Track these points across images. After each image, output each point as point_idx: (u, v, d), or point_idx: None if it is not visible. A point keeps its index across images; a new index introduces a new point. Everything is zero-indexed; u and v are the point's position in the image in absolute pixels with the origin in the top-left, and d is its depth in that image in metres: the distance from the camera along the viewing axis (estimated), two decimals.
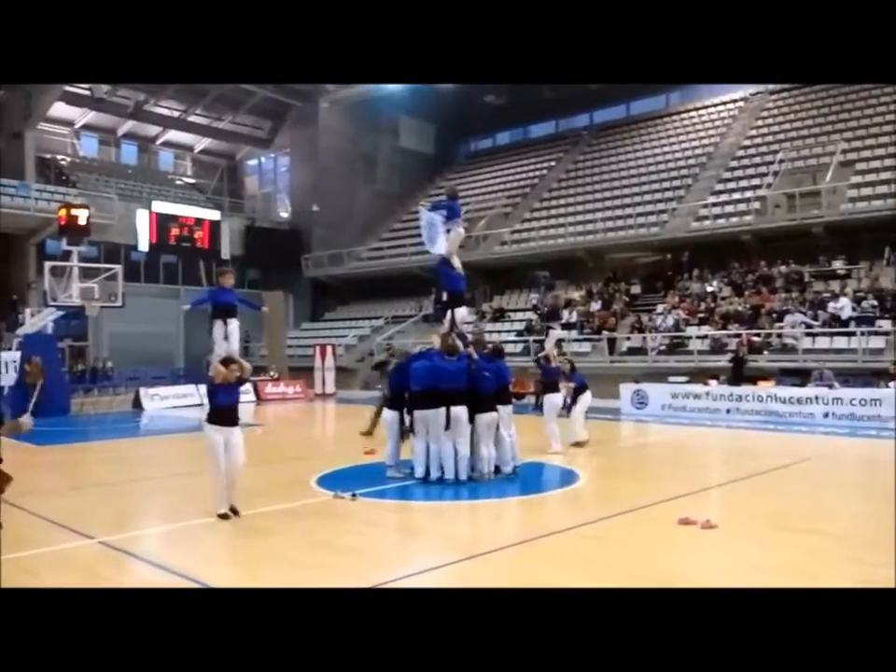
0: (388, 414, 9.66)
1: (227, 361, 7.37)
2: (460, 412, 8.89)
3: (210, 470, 7.20)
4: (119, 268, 21.60)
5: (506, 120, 37.50)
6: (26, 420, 4.61)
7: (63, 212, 20.52)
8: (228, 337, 8.33)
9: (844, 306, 18.02)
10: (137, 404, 21.60)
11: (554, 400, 11.39)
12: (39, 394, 6.09)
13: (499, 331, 24.91)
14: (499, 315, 26.53)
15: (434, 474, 9.03)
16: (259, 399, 23.32)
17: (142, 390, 22.28)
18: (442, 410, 8.84)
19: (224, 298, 8.51)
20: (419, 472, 9.10)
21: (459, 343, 9.44)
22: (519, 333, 24.24)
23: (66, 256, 20.74)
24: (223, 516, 7.10)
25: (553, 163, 33.78)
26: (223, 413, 7.21)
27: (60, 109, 31.04)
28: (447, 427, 8.86)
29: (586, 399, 12.09)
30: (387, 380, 13.60)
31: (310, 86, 33.62)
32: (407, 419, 9.40)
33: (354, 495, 8.12)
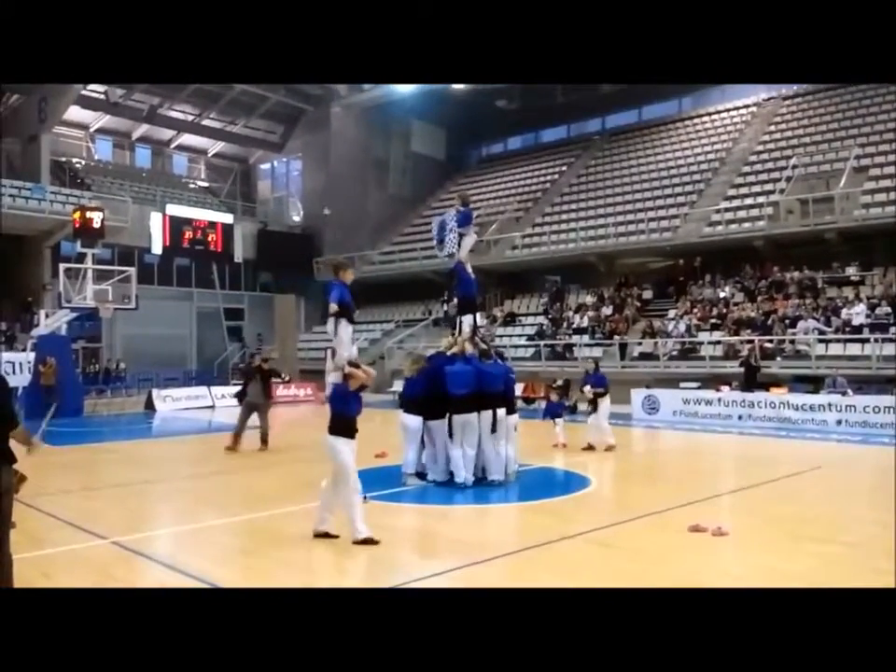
0: (410, 420, 9.19)
1: (355, 366, 6.78)
2: (503, 414, 9.03)
3: (347, 490, 6.47)
4: (132, 270, 21.84)
5: (518, 125, 37.47)
6: (37, 441, 4.67)
7: (77, 214, 20.72)
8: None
9: (860, 312, 17.89)
10: (150, 405, 21.81)
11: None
12: (55, 409, 6.20)
13: (510, 335, 24.90)
14: (510, 319, 26.52)
15: (469, 478, 8.99)
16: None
17: (154, 392, 22.51)
18: (489, 413, 8.87)
19: (349, 296, 7.54)
20: (460, 477, 8.95)
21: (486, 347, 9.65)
22: (530, 338, 24.26)
23: (81, 258, 20.98)
24: (368, 541, 6.32)
25: (564, 168, 33.73)
26: (354, 423, 6.56)
27: (75, 113, 31.29)
28: (493, 429, 8.90)
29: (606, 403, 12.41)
30: (260, 386, 12.78)
31: (322, 91, 33.78)
32: (435, 423, 9.14)
33: (365, 497, 8.13)
